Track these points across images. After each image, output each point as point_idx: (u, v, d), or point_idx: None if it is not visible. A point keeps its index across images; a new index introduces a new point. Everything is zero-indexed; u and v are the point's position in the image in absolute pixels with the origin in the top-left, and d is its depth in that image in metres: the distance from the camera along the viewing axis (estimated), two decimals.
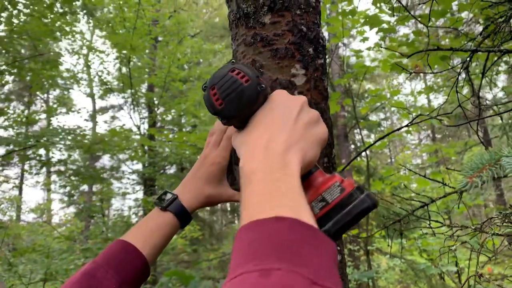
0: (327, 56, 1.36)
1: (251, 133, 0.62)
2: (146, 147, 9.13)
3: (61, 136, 7.33)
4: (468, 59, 1.51)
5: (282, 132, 0.60)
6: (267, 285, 0.37)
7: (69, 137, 7.24)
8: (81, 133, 7.57)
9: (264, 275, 0.38)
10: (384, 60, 3.30)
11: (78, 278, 0.72)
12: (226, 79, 0.64)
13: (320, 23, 1.34)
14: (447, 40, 3.45)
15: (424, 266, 3.98)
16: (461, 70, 1.55)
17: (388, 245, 2.48)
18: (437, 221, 1.51)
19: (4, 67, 6.81)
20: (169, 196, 0.87)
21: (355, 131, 9.19)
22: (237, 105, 0.63)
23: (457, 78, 1.62)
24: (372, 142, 1.84)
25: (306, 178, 0.65)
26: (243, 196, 0.52)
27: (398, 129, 1.56)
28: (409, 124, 1.59)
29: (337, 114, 7.57)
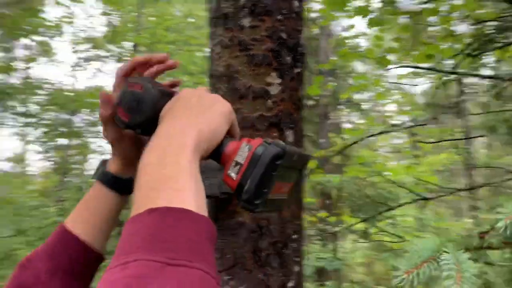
0: (318, 31, 1.33)
1: (156, 129, 0.65)
2: None
3: (38, 90, 7.12)
4: (450, 75, 1.53)
5: (180, 118, 0.64)
6: (123, 277, 0.41)
7: (43, 92, 7.03)
8: (58, 88, 7.35)
9: (122, 269, 0.42)
10: (370, 49, 3.27)
11: (15, 273, 0.72)
12: (125, 94, 0.71)
13: (302, 29, 1.30)
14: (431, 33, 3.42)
15: (388, 255, 4.13)
16: (441, 82, 1.57)
17: (358, 241, 2.55)
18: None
19: None
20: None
21: (337, 112, 9.19)
22: (139, 111, 0.69)
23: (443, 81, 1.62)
24: (350, 143, 1.86)
25: (220, 151, 0.68)
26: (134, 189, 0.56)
27: (379, 134, 1.58)
28: (382, 133, 1.61)
29: (321, 94, 7.53)
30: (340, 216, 4.33)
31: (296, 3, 1.26)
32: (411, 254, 0.66)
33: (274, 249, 1.19)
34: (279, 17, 1.21)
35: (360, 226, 4.07)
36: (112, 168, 0.80)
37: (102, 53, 10.23)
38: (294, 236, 1.24)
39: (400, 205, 1.71)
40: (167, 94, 0.72)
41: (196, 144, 0.60)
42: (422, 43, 2.77)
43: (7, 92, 7.13)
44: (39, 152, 14.32)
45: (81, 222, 0.77)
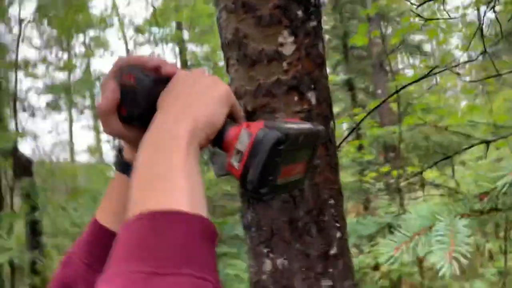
0: None
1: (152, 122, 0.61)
2: None
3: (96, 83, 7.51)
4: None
5: (173, 107, 0.61)
6: None
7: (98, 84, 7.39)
8: None
9: (109, 284, 0.40)
10: None
11: (58, 269, 0.74)
12: (120, 87, 0.68)
13: None
14: None
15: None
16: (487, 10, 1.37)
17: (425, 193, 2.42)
18: None
19: (30, 16, 6.87)
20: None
21: (393, 59, 8.65)
22: (135, 103, 0.66)
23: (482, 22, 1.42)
24: (395, 91, 1.72)
25: (221, 139, 0.64)
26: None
27: (417, 80, 1.43)
28: (424, 77, 1.45)
29: (372, 42, 7.08)
30: (404, 169, 4.14)
31: None
32: (404, 225, 0.57)
33: (311, 218, 1.13)
34: None
35: (427, 176, 3.87)
36: (128, 156, 0.78)
37: (150, 37, 10.47)
38: (331, 202, 1.17)
39: (457, 153, 1.57)
40: (162, 81, 0.68)
41: (191, 134, 0.56)
42: None
43: (70, 89, 7.58)
44: (109, 141, 15.29)
45: (109, 213, 0.76)
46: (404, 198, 3.80)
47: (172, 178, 0.51)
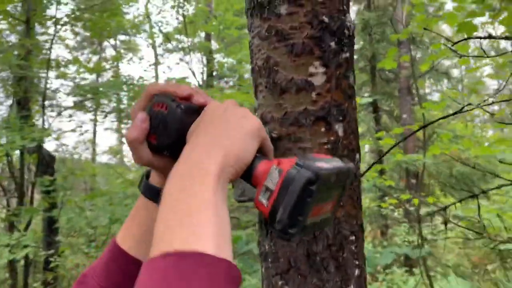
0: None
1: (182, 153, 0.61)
2: None
3: (124, 87, 7.64)
4: None
5: (202, 140, 0.60)
6: None
7: (125, 88, 7.54)
8: (141, 83, 7.81)
9: None
10: (450, 14, 2.93)
11: None
12: (151, 116, 0.68)
13: (348, 9, 1.16)
14: None
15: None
16: None
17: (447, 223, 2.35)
18: None
19: (65, 18, 7.07)
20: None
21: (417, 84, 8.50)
22: (166, 133, 0.67)
23: None
24: (421, 126, 1.68)
25: (251, 173, 0.62)
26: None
27: (446, 117, 1.39)
28: (456, 113, 1.41)
29: (401, 65, 6.99)
30: (426, 197, 4.03)
31: None
32: None
33: (329, 253, 1.10)
34: None
35: (451, 208, 3.76)
36: (155, 181, 0.77)
37: (178, 45, 10.62)
38: (352, 238, 1.14)
39: (483, 192, 1.51)
40: (193, 111, 0.67)
41: (221, 169, 0.55)
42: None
43: (97, 92, 7.74)
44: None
45: (129, 236, 0.75)
46: (423, 227, 3.70)
47: (200, 215, 0.49)
